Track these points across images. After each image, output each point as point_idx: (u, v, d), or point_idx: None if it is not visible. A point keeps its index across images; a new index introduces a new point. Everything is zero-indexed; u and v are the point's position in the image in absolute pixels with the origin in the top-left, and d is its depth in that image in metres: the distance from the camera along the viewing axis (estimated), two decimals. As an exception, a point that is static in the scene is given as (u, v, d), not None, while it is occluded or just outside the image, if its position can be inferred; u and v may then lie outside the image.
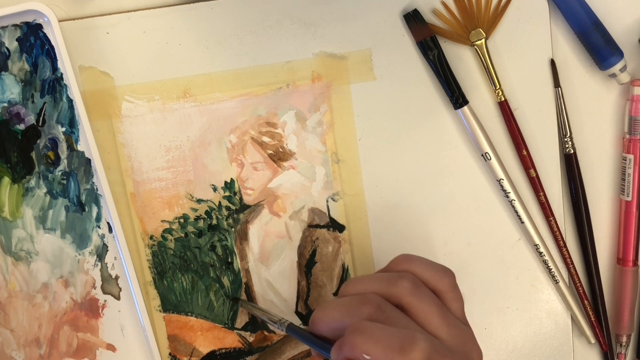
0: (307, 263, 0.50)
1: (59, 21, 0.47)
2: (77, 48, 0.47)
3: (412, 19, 0.48)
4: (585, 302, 0.50)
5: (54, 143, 0.48)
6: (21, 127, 0.48)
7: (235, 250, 0.50)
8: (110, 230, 0.49)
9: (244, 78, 0.48)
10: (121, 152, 0.49)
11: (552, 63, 0.49)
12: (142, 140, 0.49)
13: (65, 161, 0.48)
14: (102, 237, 0.49)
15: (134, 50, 0.48)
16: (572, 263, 0.50)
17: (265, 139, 0.49)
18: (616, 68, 0.48)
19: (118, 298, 0.50)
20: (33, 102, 0.48)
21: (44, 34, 0.47)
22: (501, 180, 0.49)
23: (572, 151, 0.49)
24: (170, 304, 0.50)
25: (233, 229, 0.50)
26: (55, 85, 0.47)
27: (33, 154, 0.48)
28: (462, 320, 0.40)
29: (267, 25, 0.48)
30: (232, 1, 0.48)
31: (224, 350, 0.50)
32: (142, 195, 0.49)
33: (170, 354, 0.50)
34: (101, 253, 0.49)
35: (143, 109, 0.48)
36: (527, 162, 0.49)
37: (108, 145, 0.48)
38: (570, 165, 0.50)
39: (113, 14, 0.48)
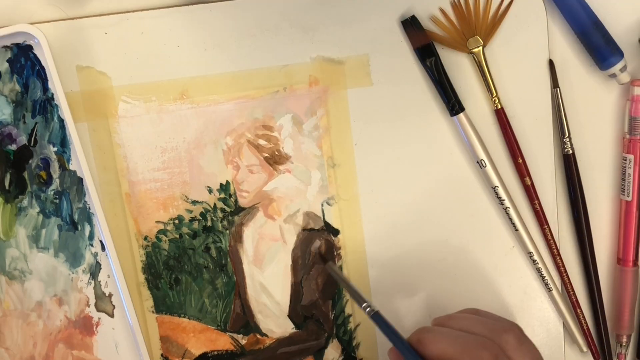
0: (301, 267, 0.50)
1: (59, 21, 0.47)
2: (75, 48, 0.47)
3: (410, 25, 0.48)
4: (578, 310, 0.50)
5: (45, 163, 0.48)
6: (13, 147, 0.48)
7: (230, 252, 0.50)
8: (103, 248, 0.49)
9: (241, 81, 0.48)
10: (117, 152, 0.49)
11: (551, 63, 0.49)
12: (138, 140, 0.49)
13: (58, 180, 0.48)
14: (95, 255, 0.49)
15: (132, 51, 0.48)
16: (566, 271, 0.50)
17: (262, 142, 0.49)
18: (616, 68, 0.48)
19: (112, 316, 0.50)
20: (24, 122, 0.48)
21: (35, 55, 0.47)
22: (496, 188, 0.49)
23: (570, 151, 0.49)
24: (163, 305, 0.50)
25: (228, 231, 0.50)
26: (46, 106, 0.48)
27: (25, 174, 0.48)
28: None
29: (265, 29, 0.48)
30: (230, 4, 0.48)
31: (216, 352, 0.50)
32: (137, 195, 0.49)
33: (162, 355, 0.50)
34: (94, 271, 0.49)
35: (140, 109, 0.48)
36: (522, 170, 0.49)
37: (104, 145, 0.48)
38: (569, 165, 0.50)
39: (112, 14, 0.48)
